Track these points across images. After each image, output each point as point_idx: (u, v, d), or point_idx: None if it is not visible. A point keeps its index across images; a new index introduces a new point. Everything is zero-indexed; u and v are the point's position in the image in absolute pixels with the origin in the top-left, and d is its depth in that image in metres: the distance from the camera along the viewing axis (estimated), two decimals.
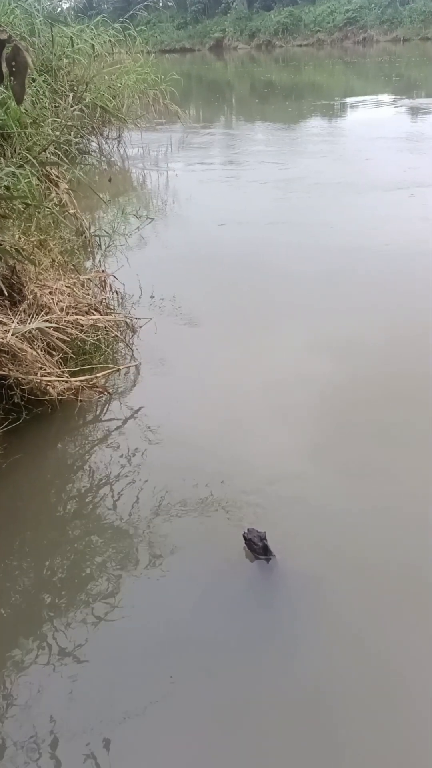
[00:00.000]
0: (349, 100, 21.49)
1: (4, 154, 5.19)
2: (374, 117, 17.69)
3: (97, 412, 4.79)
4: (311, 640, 2.99)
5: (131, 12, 13.15)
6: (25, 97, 6.40)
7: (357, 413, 4.63)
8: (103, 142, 12.74)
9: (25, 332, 4.20)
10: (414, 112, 17.92)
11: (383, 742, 2.59)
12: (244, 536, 3.35)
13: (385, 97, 21.25)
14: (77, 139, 8.47)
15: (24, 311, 4.39)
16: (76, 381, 4.56)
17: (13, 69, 2.15)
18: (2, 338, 4.01)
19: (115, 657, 2.99)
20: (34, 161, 5.43)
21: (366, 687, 2.78)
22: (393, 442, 4.32)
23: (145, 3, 14.20)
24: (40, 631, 3.14)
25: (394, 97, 21.16)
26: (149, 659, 2.96)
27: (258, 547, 3.30)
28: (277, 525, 3.56)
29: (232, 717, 2.71)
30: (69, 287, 5.03)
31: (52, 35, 9.92)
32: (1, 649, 3.05)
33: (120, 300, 6.10)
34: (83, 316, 4.91)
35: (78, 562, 3.54)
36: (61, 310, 4.70)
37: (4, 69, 2.20)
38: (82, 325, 4.85)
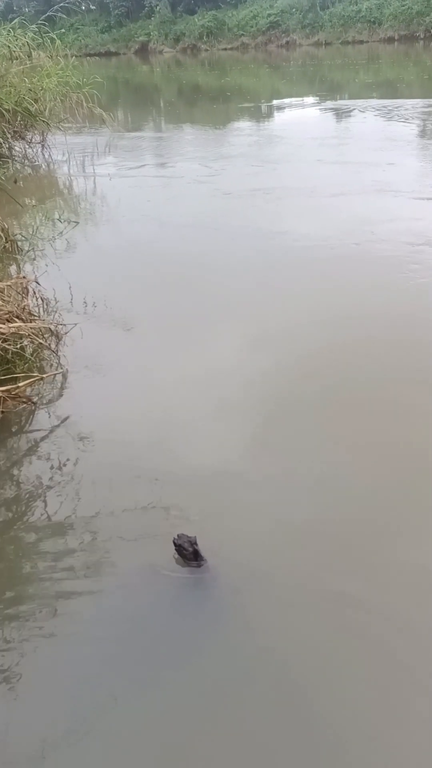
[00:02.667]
0: (275, 102, 21.76)
1: None
2: (300, 118, 17.95)
3: (22, 423, 4.61)
4: (241, 646, 2.94)
5: (48, 13, 12.89)
6: None
7: (293, 410, 4.62)
8: (26, 146, 12.42)
9: None
10: (338, 113, 18.27)
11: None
12: (174, 542, 3.27)
13: (310, 99, 21.61)
14: None
15: None
16: None
17: None
18: None
19: (51, 675, 2.86)
20: None
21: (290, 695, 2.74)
22: (330, 438, 4.31)
23: (62, 4, 13.89)
24: None
25: (318, 98, 21.54)
26: (86, 674, 2.84)
27: (188, 553, 3.23)
28: (211, 527, 3.50)
29: (168, 730, 2.62)
30: None
31: None
32: None
33: (45, 306, 5.91)
34: (3, 324, 4.71)
35: (9, 577, 3.38)
36: None
37: None
38: (2, 334, 4.66)
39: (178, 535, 3.28)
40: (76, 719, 2.67)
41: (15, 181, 10.46)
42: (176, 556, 3.28)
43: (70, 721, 2.67)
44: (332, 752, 2.53)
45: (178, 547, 3.25)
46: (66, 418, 4.65)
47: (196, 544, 3.24)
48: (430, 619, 3.00)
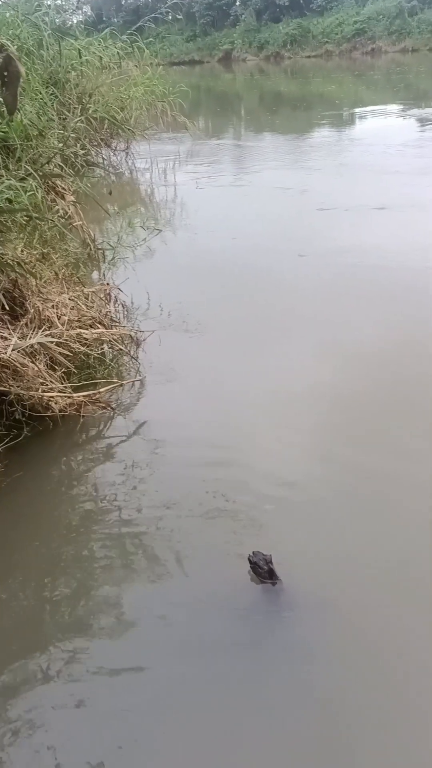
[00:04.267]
0: (357, 110, 21.44)
1: (7, 167, 5.15)
2: (383, 128, 17.61)
3: (101, 428, 4.70)
4: (322, 665, 2.87)
5: (139, 24, 13.18)
6: (29, 107, 6.39)
7: (363, 423, 4.53)
8: (111, 154, 12.72)
9: (27, 347, 4.12)
10: (423, 121, 17.83)
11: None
12: (249, 560, 3.24)
13: (394, 107, 21.18)
14: (83, 151, 8.43)
15: (26, 325, 4.31)
16: (78, 396, 4.46)
17: (5, 79, 2.07)
18: (3, 353, 3.93)
19: (120, 686, 2.88)
20: (36, 174, 5.37)
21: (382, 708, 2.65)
22: (400, 452, 4.22)
23: (153, 15, 14.19)
24: (42, 649, 3.04)
25: (403, 107, 21.09)
26: (154, 688, 2.85)
27: (263, 571, 3.19)
28: (283, 543, 3.45)
29: (243, 748, 2.59)
30: (72, 300, 4.96)
31: (60, 48, 9.92)
32: (3, 665, 2.95)
33: (125, 313, 6.02)
34: (87, 329, 4.82)
35: (81, 580, 3.44)
36: (64, 323, 4.62)
37: None
38: (85, 339, 4.77)
39: (253, 553, 3.25)
40: (131, 743, 2.67)
41: (110, 193, 10.74)
42: (251, 573, 3.25)
43: (128, 743, 2.67)
44: None
45: (254, 565, 3.22)
46: (142, 424, 4.71)
47: (271, 562, 3.20)
48: None
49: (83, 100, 10.06)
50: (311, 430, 4.51)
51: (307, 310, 6.33)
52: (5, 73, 2.10)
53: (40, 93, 7.76)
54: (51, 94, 8.89)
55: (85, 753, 2.60)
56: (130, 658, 2.99)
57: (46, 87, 8.84)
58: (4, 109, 5.17)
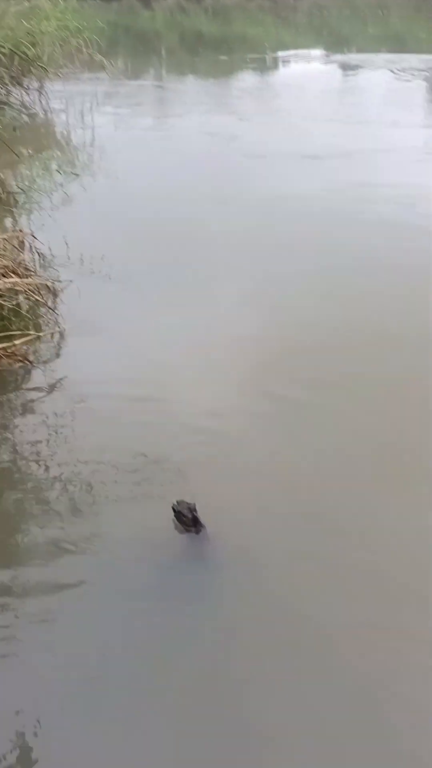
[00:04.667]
0: (281, 54, 21.03)
1: None
2: (305, 72, 17.39)
3: (18, 382, 4.51)
4: (244, 611, 2.92)
5: None
6: None
7: (286, 371, 4.56)
8: (24, 93, 11.97)
9: None
10: (346, 68, 17.70)
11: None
12: (173, 508, 3.22)
13: (316, 52, 20.92)
14: None
15: None
16: None
17: None
18: None
19: (47, 640, 2.83)
20: None
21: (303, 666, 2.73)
22: (325, 395, 4.29)
23: None
24: None
25: (324, 51, 20.85)
26: (82, 638, 2.82)
27: (187, 520, 3.18)
28: (208, 492, 3.45)
29: (162, 697, 2.61)
30: None
31: None
32: None
33: (42, 262, 5.76)
34: None
35: (2, 542, 3.33)
36: None
37: None
38: None
39: (177, 502, 3.23)
40: (72, 686, 2.64)
41: (14, 129, 10.08)
42: (175, 522, 3.23)
43: (69, 686, 2.64)
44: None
45: (177, 514, 3.20)
46: (63, 378, 4.56)
47: (195, 510, 3.19)
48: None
49: None
50: (235, 379, 4.49)
51: (231, 258, 6.25)
52: None
53: None
54: None
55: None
56: (52, 606, 2.94)
57: None
58: None
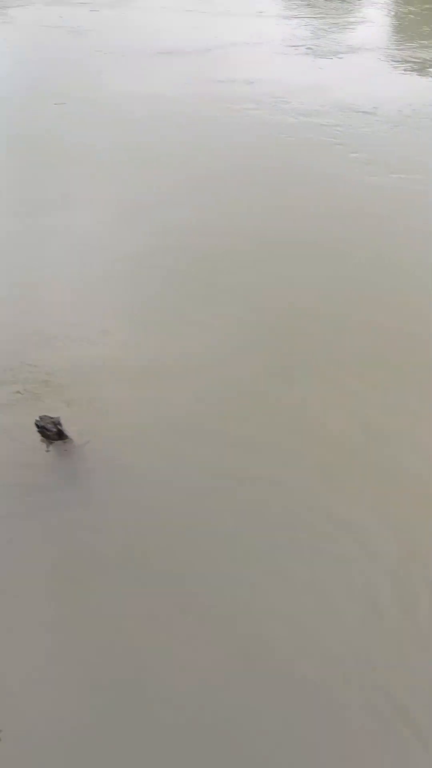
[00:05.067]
0: None
1: None
2: None
3: None
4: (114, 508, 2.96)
5: None
6: None
7: (156, 271, 4.52)
8: None
9: None
10: None
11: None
12: (36, 424, 3.13)
13: None
14: None
15: None
16: None
17: None
18: None
19: None
20: None
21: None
22: (194, 297, 4.28)
23: None
24: None
25: None
26: None
27: (52, 433, 3.11)
28: (81, 403, 3.41)
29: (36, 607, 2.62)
30: None
31: None
32: None
33: None
34: None
35: None
36: None
37: None
38: None
39: (40, 417, 3.14)
40: None
41: None
42: (42, 438, 3.15)
43: None
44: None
45: (41, 429, 3.12)
46: None
47: (60, 424, 3.12)
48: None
49: None
50: (106, 298, 4.35)
51: (82, 166, 5.93)
52: None
53: None
54: None
55: None
56: None
57: None
58: None
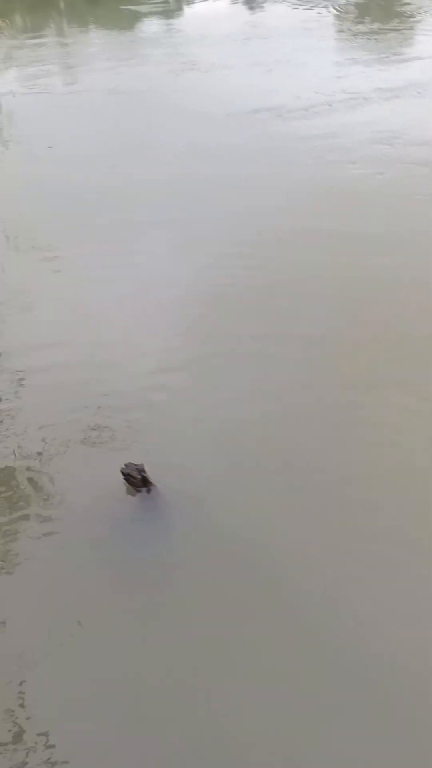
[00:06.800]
0: None
1: None
2: (212, 14, 16.88)
3: None
4: (195, 555, 3.05)
5: None
6: None
7: (221, 326, 4.65)
8: None
9: None
10: (252, 5, 17.25)
11: None
12: (122, 472, 3.29)
13: None
14: None
15: None
16: None
17: None
18: None
19: (16, 604, 2.94)
20: None
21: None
22: (268, 353, 4.37)
23: None
24: None
25: None
26: (50, 603, 2.93)
27: (137, 481, 3.26)
28: (158, 450, 3.55)
29: (131, 646, 2.73)
30: None
31: None
32: None
33: None
34: None
35: None
36: None
37: None
38: None
39: (125, 464, 3.30)
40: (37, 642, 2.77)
41: None
42: (126, 484, 3.31)
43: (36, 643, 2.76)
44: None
45: (127, 476, 3.27)
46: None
47: (144, 471, 3.27)
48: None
49: None
50: (174, 337, 4.55)
51: (153, 216, 6.21)
52: None
53: None
54: None
55: None
56: (24, 588, 3.01)
57: None
58: None
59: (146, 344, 4.53)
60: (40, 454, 3.70)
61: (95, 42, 15.56)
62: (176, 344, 4.50)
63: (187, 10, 18.40)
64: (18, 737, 2.48)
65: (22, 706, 2.58)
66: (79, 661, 2.71)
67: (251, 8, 16.79)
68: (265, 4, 16.85)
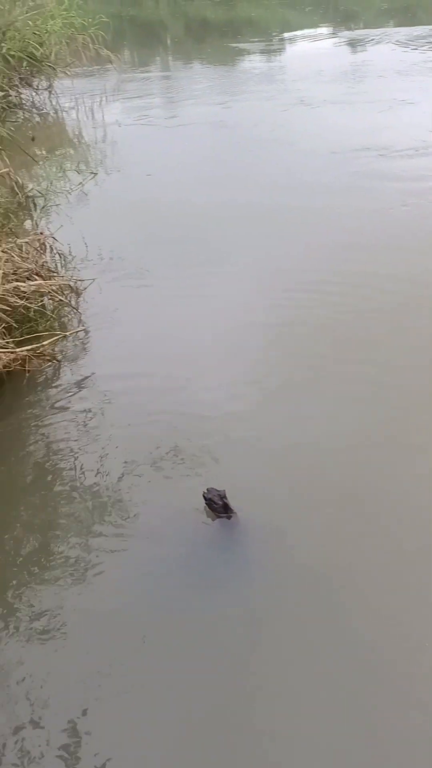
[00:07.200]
0: (286, 35, 20.82)
1: None
2: (312, 52, 17.21)
3: (48, 381, 4.66)
4: (276, 592, 3.04)
5: None
6: None
7: (306, 354, 4.69)
8: (34, 94, 12.07)
9: None
10: (352, 44, 17.48)
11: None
12: (204, 496, 3.33)
13: (323, 30, 20.65)
14: (2, 93, 7.98)
15: None
16: (22, 351, 4.40)
17: None
18: None
19: (87, 620, 3.00)
20: None
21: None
22: (345, 380, 4.40)
23: None
24: (9, 602, 3.11)
25: (331, 29, 20.58)
26: (120, 621, 2.97)
27: (218, 506, 3.30)
28: (238, 477, 3.58)
29: (201, 673, 2.74)
30: (6, 253, 4.81)
31: None
32: None
33: (63, 262, 5.89)
34: (24, 282, 4.71)
35: (42, 531, 3.50)
36: None
37: None
38: (23, 292, 4.66)
39: (207, 489, 3.34)
40: (110, 657, 2.82)
41: (33, 139, 10.16)
42: (206, 509, 3.35)
43: (105, 658, 2.82)
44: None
45: (208, 501, 3.32)
46: (90, 375, 4.70)
47: (225, 497, 3.30)
48: None
49: None
50: (257, 365, 4.61)
51: (245, 243, 6.36)
52: None
53: None
54: None
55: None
56: (96, 604, 3.09)
57: None
58: None
59: (227, 369, 4.61)
60: (119, 472, 3.79)
61: (200, 77, 16.11)
62: (256, 370, 4.56)
63: (290, 48, 18.85)
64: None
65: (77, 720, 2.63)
66: (137, 683, 2.73)
67: (354, 48, 17.00)
68: (368, 45, 17.04)
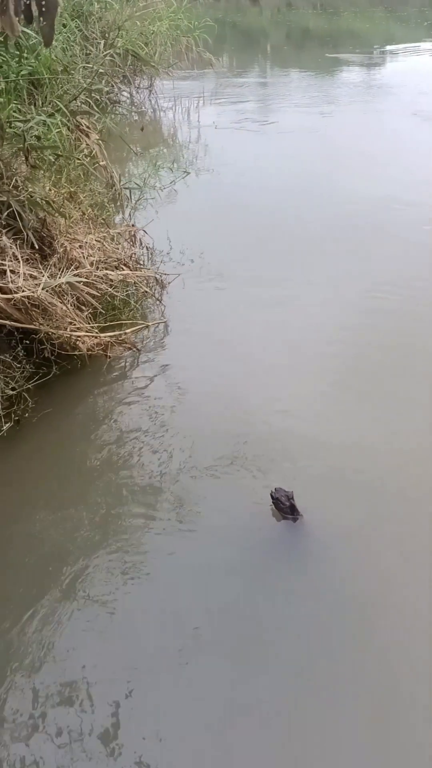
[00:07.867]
0: (390, 48, 20.57)
1: (35, 103, 5.08)
2: (414, 67, 16.93)
3: (126, 369, 4.79)
4: (338, 599, 3.02)
5: None
6: (55, 42, 6.23)
7: (377, 364, 4.71)
8: (135, 92, 12.39)
9: (56, 286, 4.17)
10: None
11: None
12: (271, 495, 3.35)
13: (427, 45, 20.29)
14: (108, 88, 8.24)
15: (54, 265, 4.35)
16: (105, 336, 4.54)
17: (43, 9, 2.05)
18: (33, 292, 3.99)
19: (142, 610, 3.05)
20: (65, 110, 5.30)
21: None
22: (415, 389, 4.39)
23: None
24: (68, 583, 3.20)
25: None
26: (175, 613, 3.02)
27: (285, 507, 3.30)
28: (305, 479, 3.58)
29: (254, 671, 2.76)
30: (99, 241, 4.97)
31: None
32: (32, 601, 3.11)
33: (150, 255, 6.02)
34: (113, 271, 4.85)
35: (104, 515, 3.58)
36: (91, 264, 4.65)
37: (34, 9, 2.10)
38: (111, 280, 4.80)
39: (275, 489, 3.36)
40: (165, 652, 2.86)
41: (142, 129, 10.45)
42: (273, 509, 3.36)
43: (160, 654, 2.86)
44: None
45: (276, 501, 3.33)
46: (165, 367, 4.79)
47: (292, 498, 3.31)
48: None
49: (107, 35, 9.75)
50: (328, 370, 4.63)
51: (329, 252, 6.35)
52: (43, 3, 2.07)
53: (65, 26, 7.55)
54: (75, 27, 8.64)
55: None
56: (152, 594, 3.14)
57: (71, 19, 8.59)
58: (32, 41, 5.07)
59: (298, 379, 4.61)
60: (185, 466, 3.85)
61: (296, 84, 16.14)
62: (326, 378, 4.56)
63: (391, 61, 18.62)
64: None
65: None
66: (186, 684, 2.76)
67: None
68: None
